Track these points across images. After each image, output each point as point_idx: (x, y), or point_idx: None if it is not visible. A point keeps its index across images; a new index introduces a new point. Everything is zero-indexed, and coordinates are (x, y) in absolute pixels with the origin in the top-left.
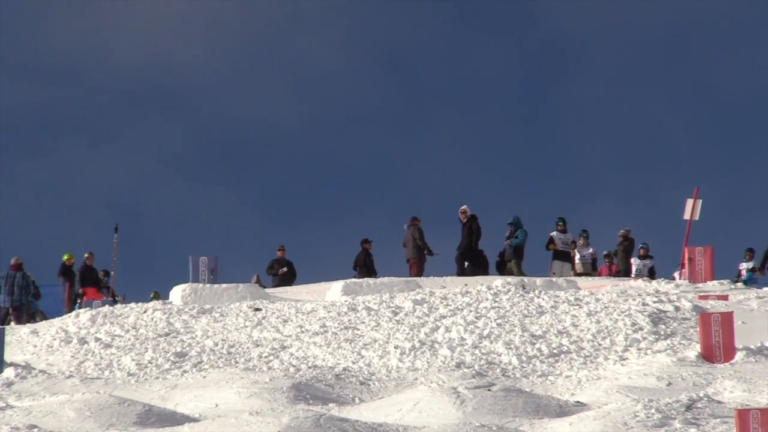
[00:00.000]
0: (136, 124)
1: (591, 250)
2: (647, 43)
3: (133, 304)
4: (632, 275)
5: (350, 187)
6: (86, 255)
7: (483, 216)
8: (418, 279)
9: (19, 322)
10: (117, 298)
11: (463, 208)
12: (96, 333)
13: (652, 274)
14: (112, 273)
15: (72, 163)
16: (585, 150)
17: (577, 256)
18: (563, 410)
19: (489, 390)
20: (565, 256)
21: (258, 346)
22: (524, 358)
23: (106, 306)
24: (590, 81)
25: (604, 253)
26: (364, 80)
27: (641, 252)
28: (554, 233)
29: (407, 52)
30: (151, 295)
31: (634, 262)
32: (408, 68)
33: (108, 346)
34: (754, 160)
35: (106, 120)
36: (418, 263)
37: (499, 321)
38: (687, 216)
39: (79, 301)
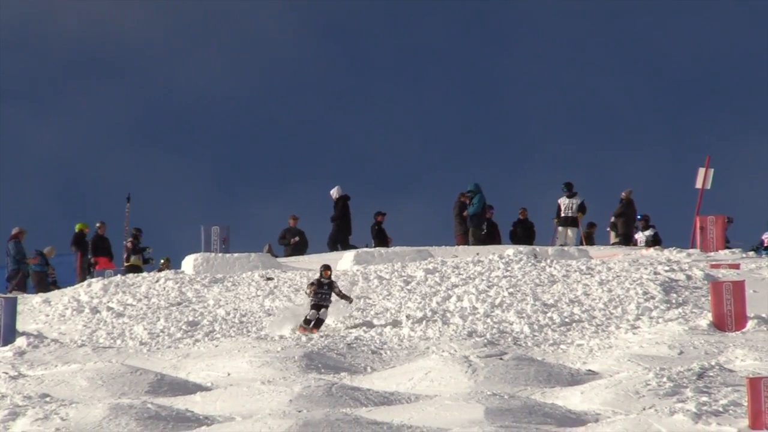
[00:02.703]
0: (81, 92)
1: (651, 232)
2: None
3: (145, 273)
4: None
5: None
6: (98, 224)
7: (433, 185)
8: (429, 248)
9: (11, 290)
10: (148, 250)
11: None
12: (108, 302)
13: (656, 243)
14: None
15: (14, 131)
16: (531, 119)
17: (641, 236)
18: (575, 379)
19: (501, 359)
20: (571, 222)
21: (270, 315)
22: (536, 327)
23: (118, 275)
24: (538, 50)
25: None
26: (309, 50)
27: (641, 224)
28: (561, 199)
29: (351, 21)
30: (161, 261)
31: (637, 236)
32: (352, 37)
33: (120, 315)
34: None
35: (50, 88)
36: (462, 238)
37: (510, 290)
38: (699, 185)
39: (91, 270)
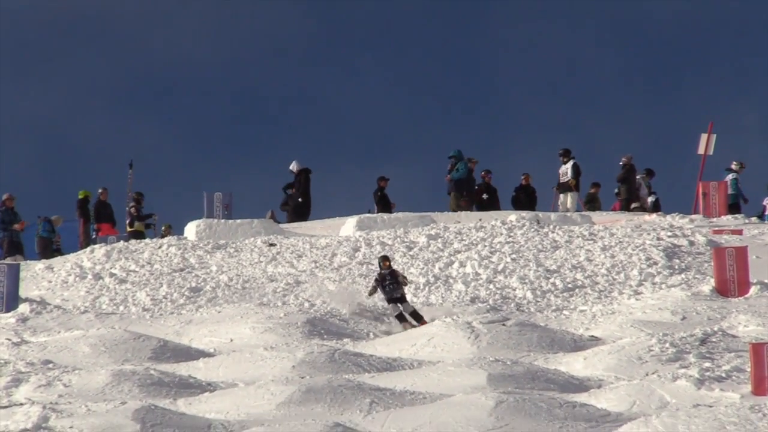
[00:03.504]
0: (61, 55)
1: (653, 198)
2: None
3: (147, 240)
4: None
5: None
6: (100, 191)
7: (437, 151)
8: (432, 214)
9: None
10: (153, 217)
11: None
12: (111, 268)
13: (657, 208)
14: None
15: None
16: (510, 84)
17: (643, 190)
18: (578, 345)
19: (503, 325)
20: (567, 188)
21: (272, 281)
22: (539, 293)
23: (121, 241)
24: (534, 11)
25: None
26: (285, 14)
27: (644, 177)
28: (561, 168)
29: None
30: (163, 228)
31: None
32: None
33: (123, 281)
34: None
35: (29, 51)
36: (466, 204)
37: (513, 256)
38: (701, 151)
39: (93, 236)
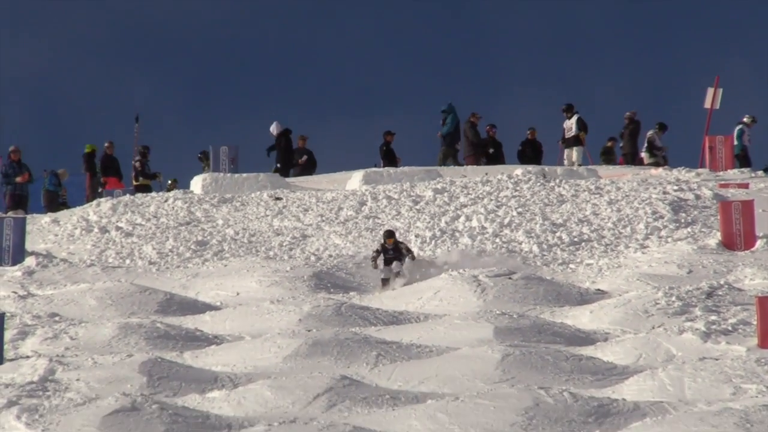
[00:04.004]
0: (61, 7)
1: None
2: None
3: (153, 193)
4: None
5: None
6: (106, 144)
7: (403, 106)
8: (438, 168)
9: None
10: (158, 175)
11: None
12: (117, 222)
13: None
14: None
15: None
16: (512, 36)
17: (657, 142)
18: (584, 298)
19: (510, 278)
20: (573, 142)
21: (279, 235)
22: (545, 247)
23: (127, 195)
24: None
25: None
26: None
27: (657, 132)
28: (564, 123)
29: None
30: (169, 182)
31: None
32: None
33: (129, 234)
34: None
35: (28, 2)
36: (473, 160)
37: (519, 210)
38: (707, 105)
39: (100, 190)
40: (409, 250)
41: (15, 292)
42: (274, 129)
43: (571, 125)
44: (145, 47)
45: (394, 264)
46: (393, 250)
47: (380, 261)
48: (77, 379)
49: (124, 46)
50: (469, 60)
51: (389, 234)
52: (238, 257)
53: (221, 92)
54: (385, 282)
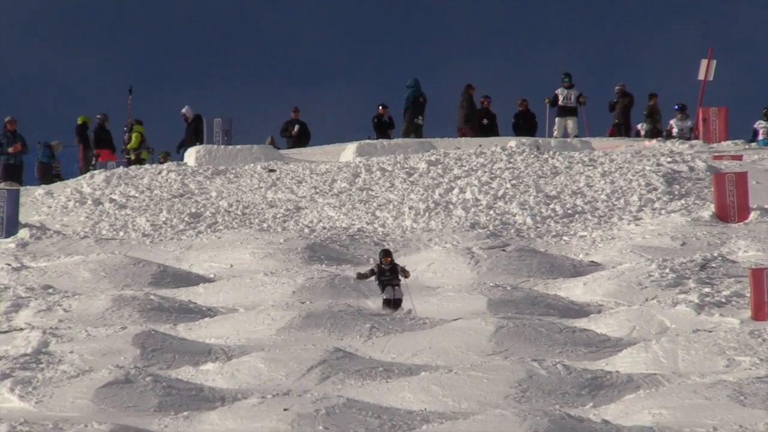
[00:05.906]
0: None
1: (689, 123)
2: None
3: (147, 165)
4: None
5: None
6: (99, 116)
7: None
8: (432, 140)
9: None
10: (150, 150)
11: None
12: (111, 194)
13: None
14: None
15: None
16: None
17: (675, 130)
18: (577, 270)
19: (503, 250)
20: (570, 112)
21: (272, 207)
22: (539, 219)
23: (121, 167)
24: None
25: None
26: None
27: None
28: (559, 90)
29: None
30: (160, 155)
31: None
32: None
33: (123, 206)
34: None
35: None
36: (466, 131)
37: (513, 182)
38: (701, 76)
39: (93, 162)
40: (404, 270)
41: (8, 264)
42: (187, 112)
43: (569, 95)
44: (135, 21)
45: (396, 290)
46: (389, 271)
47: (373, 279)
48: (71, 352)
49: (117, 19)
50: (462, 32)
51: (386, 253)
52: (231, 229)
53: (215, 63)
54: (387, 303)
